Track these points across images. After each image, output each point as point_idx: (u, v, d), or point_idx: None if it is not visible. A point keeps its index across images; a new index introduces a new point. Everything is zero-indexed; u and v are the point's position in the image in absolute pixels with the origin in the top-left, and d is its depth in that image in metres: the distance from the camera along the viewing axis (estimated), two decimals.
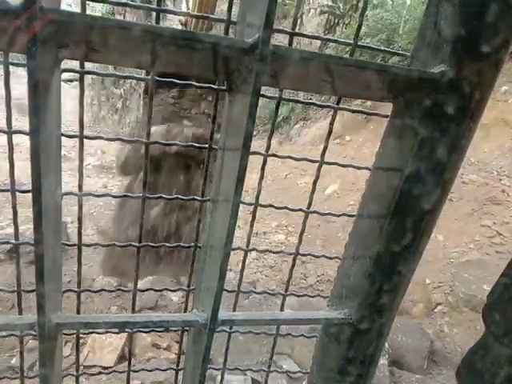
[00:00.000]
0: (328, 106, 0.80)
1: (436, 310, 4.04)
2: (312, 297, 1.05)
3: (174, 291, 1.00)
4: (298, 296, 1.08)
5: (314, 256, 0.99)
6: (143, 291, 0.98)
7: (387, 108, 0.67)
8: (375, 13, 9.75)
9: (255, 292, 1.04)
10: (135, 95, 9.09)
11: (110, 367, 3.07)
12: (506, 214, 5.07)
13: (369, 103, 7.42)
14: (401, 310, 3.68)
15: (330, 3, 10.98)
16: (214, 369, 1.06)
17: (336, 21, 11.16)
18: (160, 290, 0.98)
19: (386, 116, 0.68)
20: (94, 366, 3.10)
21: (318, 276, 4.95)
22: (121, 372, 1.04)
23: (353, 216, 0.75)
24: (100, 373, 1.08)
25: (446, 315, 3.97)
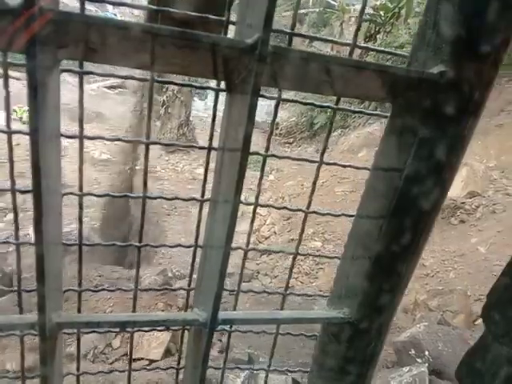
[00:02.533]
0: (328, 107, 0.80)
1: (477, 323, 4.00)
2: (312, 296, 1.05)
3: (175, 290, 1.00)
4: (298, 295, 1.08)
5: (314, 256, 0.99)
6: (144, 291, 0.98)
7: (387, 108, 0.67)
8: (416, 21, 9.67)
9: (254, 292, 1.04)
10: (177, 102, 9.29)
11: (157, 361, 3.10)
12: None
13: None
14: (441, 319, 3.63)
15: (372, 11, 10.90)
16: (214, 368, 1.06)
17: (377, 29, 11.08)
18: (160, 290, 0.98)
19: (386, 116, 0.68)
20: (142, 358, 3.13)
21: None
22: (121, 371, 1.04)
23: (352, 216, 0.76)
24: (100, 371, 1.08)
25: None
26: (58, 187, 0.65)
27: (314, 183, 0.82)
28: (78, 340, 0.95)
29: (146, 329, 0.87)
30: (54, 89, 0.56)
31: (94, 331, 0.85)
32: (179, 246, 0.93)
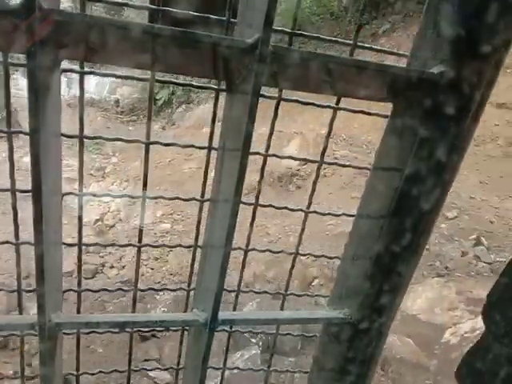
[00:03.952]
0: (328, 107, 0.80)
1: (314, 284, 3.97)
2: (312, 296, 1.05)
3: (174, 290, 1.00)
4: (299, 295, 1.08)
5: (314, 256, 0.99)
6: (143, 291, 0.98)
7: (387, 108, 0.67)
8: None
9: (255, 292, 1.04)
10: None
11: None
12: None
13: None
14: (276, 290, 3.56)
15: None
16: (214, 368, 1.06)
17: None
18: (160, 290, 0.98)
19: (386, 116, 0.68)
20: None
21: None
22: (121, 372, 1.04)
23: (353, 216, 0.75)
24: (101, 372, 1.08)
25: (322, 287, 3.89)
26: (58, 187, 0.65)
27: (314, 183, 0.82)
28: (78, 340, 0.95)
29: (146, 329, 0.87)
30: (55, 89, 0.56)
31: (93, 331, 0.85)
32: (179, 246, 0.93)
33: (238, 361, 2.61)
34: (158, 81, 0.70)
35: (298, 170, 5.74)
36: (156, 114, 9.38)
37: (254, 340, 2.88)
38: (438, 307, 3.50)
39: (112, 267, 4.55)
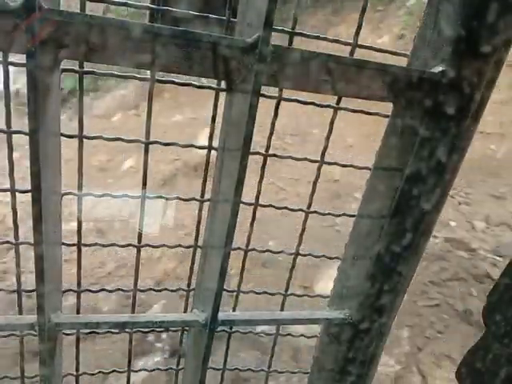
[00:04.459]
0: (328, 106, 0.80)
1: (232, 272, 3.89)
2: (312, 297, 1.05)
3: (175, 291, 1.00)
4: (299, 296, 1.08)
5: (314, 256, 0.99)
6: (143, 291, 0.98)
7: (387, 108, 0.67)
8: None
9: (255, 292, 1.04)
10: None
11: None
12: (288, 170, 5.18)
13: None
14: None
15: None
16: (214, 369, 1.05)
17: None
18: (160, 290, 0.98)
19: (386, 116, 0.68)
20: None
21: None
22: (121, 372, 1.04)
23: (353, 216, 0.75)
24: (100, 371, 1.08)
25: (237, 277, 3.84)
26: (57, 187, 0.65)
27: (315, 183, 0.82)
28: (78, 340, 0.95)
29: (146, 330, 0.86)
30: (55, 89, 0.56)
31: (93, 331, 0.85)
32: (179, 246, 0.93)
33: (141, 372, 2.25)
34: (158, 81, 0.70)
35: (214, 159, 5.55)
36: (62, 104, 9.07)
37: (158, 344, 2.49)
38: None
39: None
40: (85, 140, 0.67)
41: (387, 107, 0.67)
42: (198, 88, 0.73)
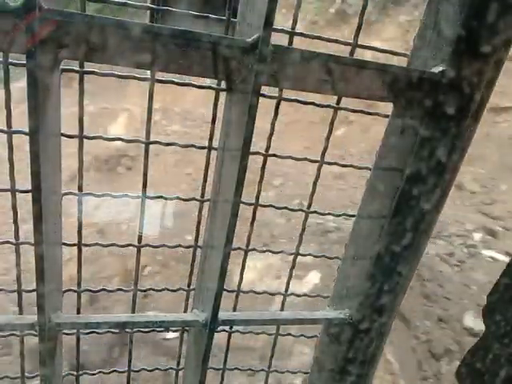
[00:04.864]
0: (328, 106, 0.80)
1: (145, 273, 3.74)
2: (313, 297, 1.05)
3: (175, 291, 1.00)
4: (299, 296, 1.08)
5: (314, 256, 0.99)
6: (143, 291, 0.98)
7: (387, 108, 0.67)
8: None
9: (255, 292, 1.04)
10: None
11: None
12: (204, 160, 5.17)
13: None
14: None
15: None
16: (214, 369, 1.05)
17: None
18: (160, 290, 0.98)
19: (386, 116, 0.68)
20: None
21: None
22: (121, 372, 1.04)
23: (353, 216, 0.75)
24: (100, 371, 1.08)
25: (157, 274, 3.66)
26: (57, 187, 0.65)
27: (315, 183, 0.82)
28: (78, 340, 0.95)
29: (146, 330, 0.87)
30: (55, 89, 0.56)
31: (93, 331, 0.85)
32: (179, 246, 0.93)
33: None
34: (158, 81, 0.70)
35: (126, 151, 5.23)
36: None
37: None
38: (267, 276, 3.35)
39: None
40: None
41: (387, 107, 0.67)
42: (198, 88, 0.73)
